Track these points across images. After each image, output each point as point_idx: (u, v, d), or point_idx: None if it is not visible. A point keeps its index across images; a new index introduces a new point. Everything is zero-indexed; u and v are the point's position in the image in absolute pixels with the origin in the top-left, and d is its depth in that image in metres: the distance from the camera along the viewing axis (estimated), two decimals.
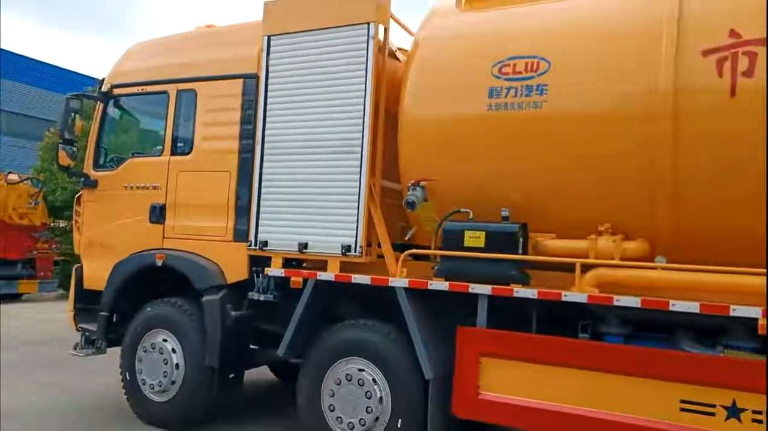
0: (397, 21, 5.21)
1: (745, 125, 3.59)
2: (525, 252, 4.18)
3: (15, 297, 14.62)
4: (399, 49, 5.44)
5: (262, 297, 5.07)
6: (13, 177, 14.95)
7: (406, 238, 4.79)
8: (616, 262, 3.91)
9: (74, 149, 6.03)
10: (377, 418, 4.36)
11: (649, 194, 3.90)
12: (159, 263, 5.47)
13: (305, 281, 4.74)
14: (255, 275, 5.12)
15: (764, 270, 3.43)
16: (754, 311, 3.40)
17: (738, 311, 3.44)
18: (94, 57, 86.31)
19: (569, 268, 3.99)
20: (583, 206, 4.11)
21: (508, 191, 4.29)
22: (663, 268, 3.83)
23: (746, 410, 3.40)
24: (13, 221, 14.35)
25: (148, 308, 5.56)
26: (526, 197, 4.26)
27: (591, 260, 3.93)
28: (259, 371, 6.52)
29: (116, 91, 6.07)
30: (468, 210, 4.35)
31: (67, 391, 6.58)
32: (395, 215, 4.90)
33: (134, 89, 6.00)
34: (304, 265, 5.08)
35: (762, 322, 3.37)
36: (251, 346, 5.60)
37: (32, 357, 8.17)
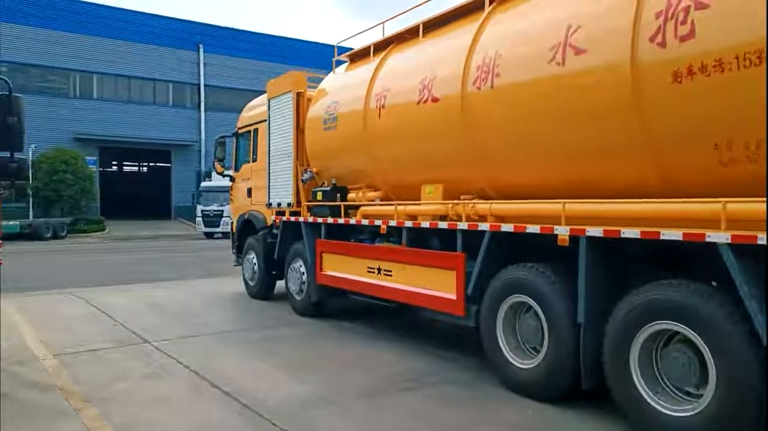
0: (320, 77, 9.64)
1: (383, 132, 7.13)
2: (344, 200, 8.25)
3: None
4: None
5: (276, 231, 10.10)
6: None
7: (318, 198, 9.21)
8: (365, 202, 7.75)
9: (223, 163, 11.99)
10: (301, 288, 9.03)
11: (371, 167, 7.62)
12: (246, 217, 11.01)
13: (281, 221, 9.60)
14: (273, 221, 10.18)
15: None
16: (378, 222, 7.03)
17: (383, 224, 7.10)
18: None
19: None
20: (360, 176, 7.99)
21: (337, 170, 8.40)
22: (379, 205, 7.55)
23: (383, 269, 7.06)
24: None
25: (248, 240, 11.14)
26: (345, 172, 8.30)
27: (351, 203, 7.89)
28: None
29: (240, 131, 11.80)
30: (325, 180, 8.62)
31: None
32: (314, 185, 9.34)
33: (243, 129, 11.62)
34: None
35: (383, 227, 6.99)
36: None
37: None
